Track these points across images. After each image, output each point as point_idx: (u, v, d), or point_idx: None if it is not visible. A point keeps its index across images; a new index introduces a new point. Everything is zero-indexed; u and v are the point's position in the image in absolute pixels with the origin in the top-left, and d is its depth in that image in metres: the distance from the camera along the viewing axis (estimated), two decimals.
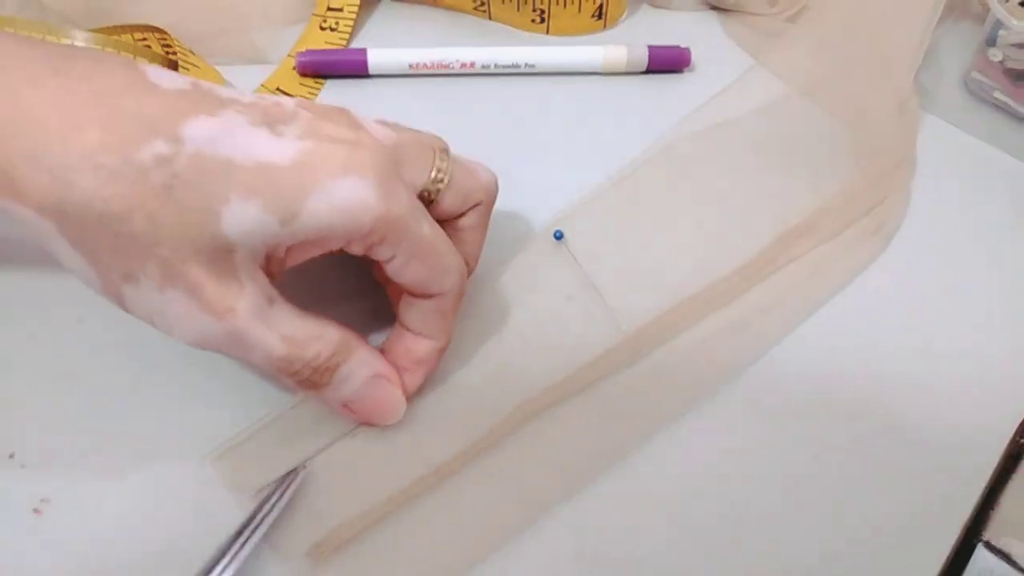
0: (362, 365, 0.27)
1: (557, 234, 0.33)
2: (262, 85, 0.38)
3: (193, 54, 0.37)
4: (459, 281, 0.27)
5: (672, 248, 0.34)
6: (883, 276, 0.34)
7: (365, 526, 0.27)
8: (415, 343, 0.28)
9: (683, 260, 0.33)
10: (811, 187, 0.35)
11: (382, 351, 0.28)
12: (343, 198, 0.23)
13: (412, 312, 0.28)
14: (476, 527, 0.28)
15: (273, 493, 0.27)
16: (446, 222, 0.28)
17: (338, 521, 0.27)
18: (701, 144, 0.36)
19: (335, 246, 0.24)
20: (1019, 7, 0.35)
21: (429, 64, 0.38)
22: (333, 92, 0.39)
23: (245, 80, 0.38)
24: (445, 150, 0.27)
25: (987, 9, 0.36)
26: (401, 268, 0.26)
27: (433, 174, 0.26)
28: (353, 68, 0.38)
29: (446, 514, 0.28)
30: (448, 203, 0.27)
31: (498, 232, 0.32)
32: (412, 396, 0.29)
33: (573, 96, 0.39)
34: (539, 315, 0.32)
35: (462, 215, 0.28)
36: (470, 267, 0.29)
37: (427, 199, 0.27)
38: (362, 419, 0.28)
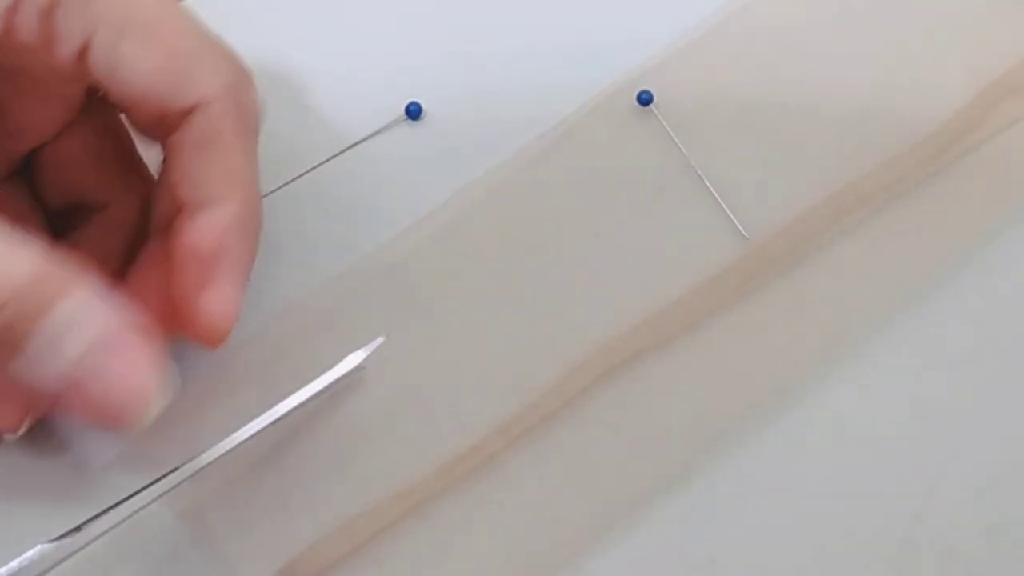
0: (80, 320, 0.19)
1: (643, 97, 0.27)
2: None
3: None
4: (231, 78, 0.21)
5: (813, 115, 0.27)
6: None
7: (354, 545, 0.23)
8: (194, 225, 0.21)
9: (830, 134, 0.27)
10: None
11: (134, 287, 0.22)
12: None
13: (172, 163, 0.22)
14: (525, 538, 0.23)
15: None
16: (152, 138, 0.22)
17: (313, 539, 0.23)
18: None
19: None
20: None
21: None
22: None
23: None
24: None
25: None
26: (112, 58, 0.20)
27: None
28: None
29: (480, 522, 0.23)
30: (130, 83, 0.20)
31: (542, 93, 0.28)
32: (230, 322, 0.22)
33: None
34: (614, 218, 0.26)
35: (177, 128, 0.21)
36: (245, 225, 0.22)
37: None
38: (92, 416, 0.21)
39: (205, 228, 0.21)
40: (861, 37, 0.28)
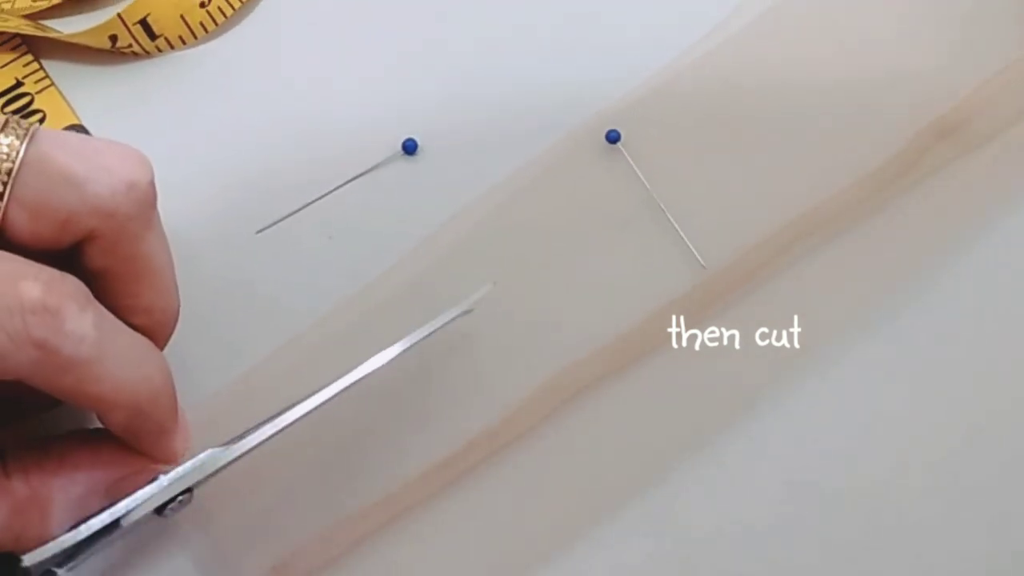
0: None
1: (611, 135, 0.27)
2: None
3: None
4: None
5: (766, 155, 0.27)
6: None
7: (347, 544, 0.24)
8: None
9: (780, 172, 0.27)
10: (964, 64, 0.28)
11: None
12: None
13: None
14: (508, 539, 0.24)
15: None
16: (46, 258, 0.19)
17: (306, 537, 0.24)
18: (809, 13, 0.29)
19: None
20: None
21: None
22: None
23: None
24: (16, 126, 0.18)
25: None
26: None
27: None
28: None
29: (464, 523, 0.24)
30: (18, 226, 0.18)
31: (501, 139, 0.28)
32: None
33: None
34: (584, 247, 0.26)
35: (76, 253, 0.19)
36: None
37: None
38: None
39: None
40: (808, 83, 0.28)
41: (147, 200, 0.19)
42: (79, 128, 0.28)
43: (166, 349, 0.22)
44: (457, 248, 0.27)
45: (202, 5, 0.29)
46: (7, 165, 0.18)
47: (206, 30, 0.29)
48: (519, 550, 0.24)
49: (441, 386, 0.25)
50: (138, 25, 0.28)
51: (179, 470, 0.20)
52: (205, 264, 0.26)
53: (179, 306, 0.22)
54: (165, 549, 0.23)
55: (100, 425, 0.21)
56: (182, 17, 0.29)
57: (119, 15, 0.28)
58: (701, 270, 0.26)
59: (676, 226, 0.26)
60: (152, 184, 0.20)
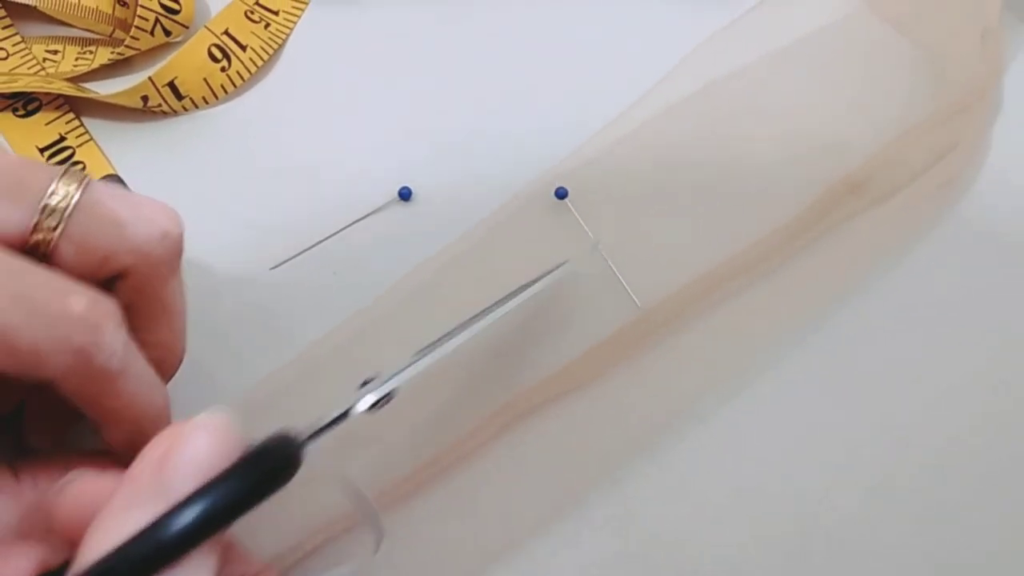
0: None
1: (559, 192, 0.29)
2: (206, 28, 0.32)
3: None
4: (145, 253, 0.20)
5: (695, 208, 0.29)
6: (953, 240, 0.29)
7: (322, 543, 0.24)
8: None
9: (707, 223, 0.29)
10: (870, 128, 0.30)
11: None
12: None
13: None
14: (482, 528, 0.25)
15: None
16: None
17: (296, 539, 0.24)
18: (737, 84, 0.31)
19: None
20: None
21: None
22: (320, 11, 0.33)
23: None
24: (75, 175, 0.20)
25: None
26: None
27: (48, 200, 0.19)
28: None
29: (440, 520, 0.25)
30: (66, 258, 0.20)
31: (484, 187, 0.29)
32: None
33: (591, 16, 0.33)
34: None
35: (108, 288, 0.20)
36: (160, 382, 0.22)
37: (36, 246, 0.20)
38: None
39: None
40: (732, 144, 0.30)
41: (176, 249, 0.21)
42: (115, 178, 0.30)
43: (185, 370, 0.24)
44: (429, 286, 0.28)
45: (223, 70, 0.31)
46: (63, 204, 0.20)
47: (226, 91, 0.32)
48: (492, 538, 0.25)
49: (412, 406, 0.26)
50: (167, 87, 0.31)
51: (387, 374, 0.21)
52: (226, 296, 0.28)
53: (184, 349, 0.23)
54: None
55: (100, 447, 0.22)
56: (205, 80, 0.31)
57: (150, 78, 0.30)
58: (636, 309, 0.27)
59: (615, 270, 0.28)
60: (181, 236, 0.21)
